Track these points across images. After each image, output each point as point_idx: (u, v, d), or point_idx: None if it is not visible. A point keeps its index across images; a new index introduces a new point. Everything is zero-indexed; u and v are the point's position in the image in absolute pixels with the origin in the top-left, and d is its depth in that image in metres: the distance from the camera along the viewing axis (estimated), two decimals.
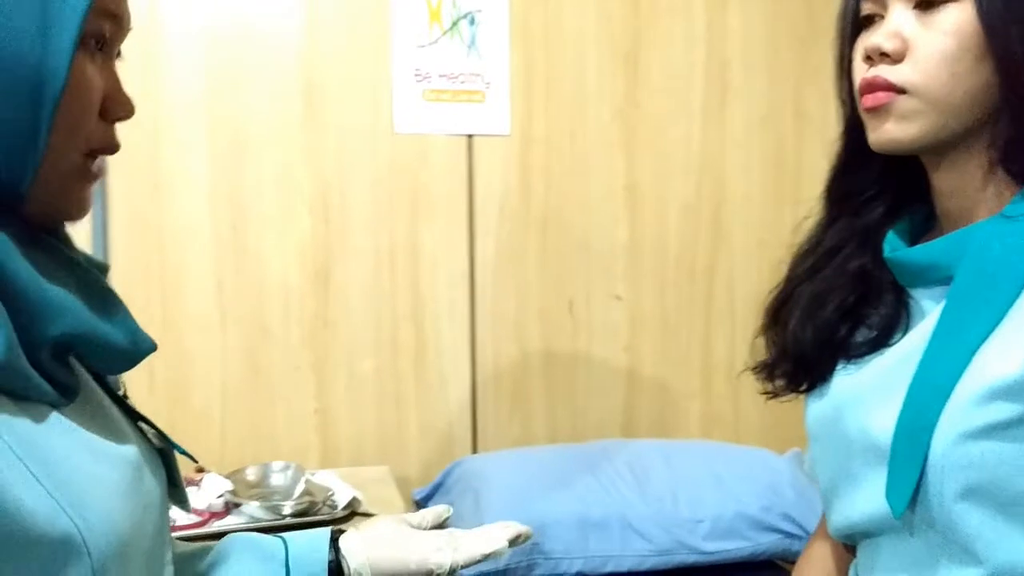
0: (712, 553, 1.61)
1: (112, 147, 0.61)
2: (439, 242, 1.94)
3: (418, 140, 1.92)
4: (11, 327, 0.52)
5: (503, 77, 1.96)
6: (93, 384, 0.64)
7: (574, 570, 1.55)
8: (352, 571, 0.76)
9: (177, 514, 1.50)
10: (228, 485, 1.54)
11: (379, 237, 1.91)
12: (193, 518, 1.47)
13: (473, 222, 1.96)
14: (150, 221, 1.80)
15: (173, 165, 1.80)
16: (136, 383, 1.79)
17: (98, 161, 0.61)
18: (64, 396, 0.57)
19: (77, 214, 0.62)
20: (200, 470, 1.65)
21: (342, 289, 1.90)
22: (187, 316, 1.83)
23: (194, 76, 1.80)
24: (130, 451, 0.61)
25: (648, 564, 1.59)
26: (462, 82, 1.94)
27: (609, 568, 1.57)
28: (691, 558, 1.60)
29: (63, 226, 0.64)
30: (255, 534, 0.79)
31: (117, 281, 1.78)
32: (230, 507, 1.52)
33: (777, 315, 0.87)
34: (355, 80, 1.88)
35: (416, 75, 1.92)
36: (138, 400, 1.92)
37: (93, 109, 0.58)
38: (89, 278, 0.61)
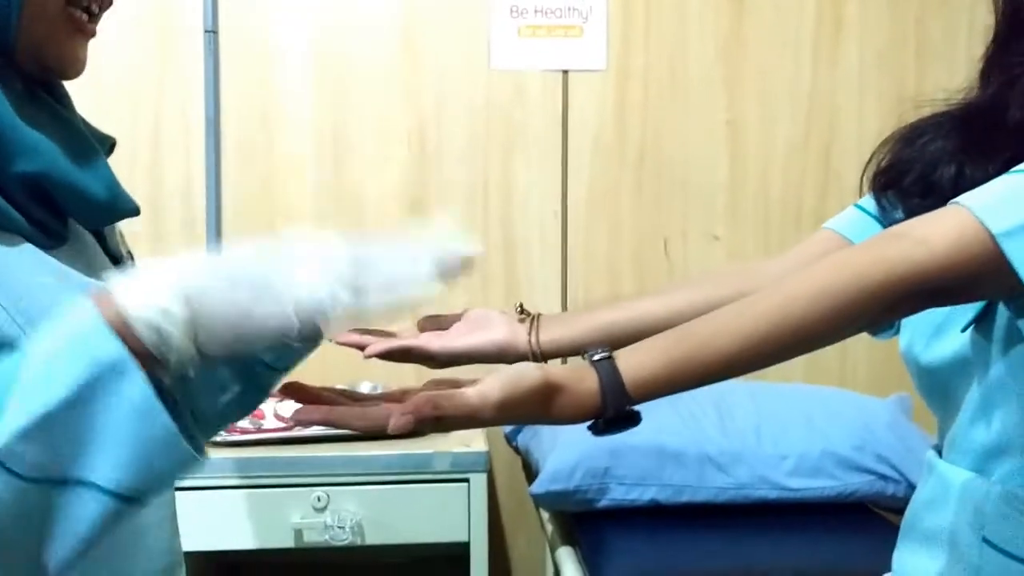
0: (796, 490, 1.55)
1: None
2: (532, 178, 1.95)
3: (513, 76, 1.93)
4: None
5: (601, 11, 1.94)
6: (92, 243, 0.67)
7: (647, 497, 1.53)
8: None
9: (268, 421, 1.59)
10: None
11: (473, 172, 1.94)
12: (279, 424, 1.56)
13: (567, 159, 1.95)
14: (258, 155, 1.90)
15: (280, 102, 1.89)
16: None
17: (81, 20, 0.63)
18: (46, 236, 0.60)
19: (69, 69, 0.64)
20: None
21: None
22: None
23: (300, 17, 1.88)
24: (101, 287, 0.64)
25: (725, 497, 1.54)
26: (559, 16, 1.94)
27: (684, 498, 1.54)
28: (772, 494, 1.55)
29: (61, 86, 0.66)
30: None
31: (229, 211, 1.90)
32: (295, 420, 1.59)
33: (916, 135, 0.86)
34: (452, 17, 1.91)
35: (512, 11, 1.93)
36: None
37: None
38: (74, 133, 0.63)
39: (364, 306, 0.53)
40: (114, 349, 0.47)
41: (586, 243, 1.96)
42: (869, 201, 0.94)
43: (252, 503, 1.46)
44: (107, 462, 0.47)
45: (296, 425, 1.58)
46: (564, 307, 1.97)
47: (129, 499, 0.48)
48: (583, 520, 1.57)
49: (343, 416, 0.60)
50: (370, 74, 1.91)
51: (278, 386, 0.81)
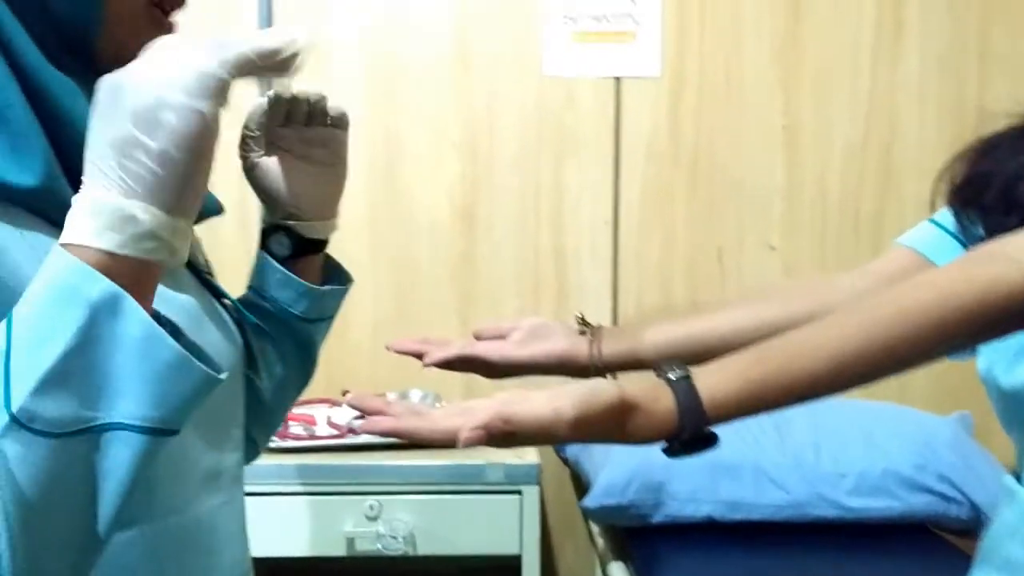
0: (856, 510, 1.51)
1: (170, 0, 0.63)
2: (584, 185, 1.93)
3: (565, 82, 1.91)
4: (54, 159, 0.55)
5: (655, 16, 1.91)
6: None
7: (702, 513, 1.50)
8: None
9: (321, 428, 1.59)
10: None
11: (524, 178, 1.92)
12: (332, 431, 1.56)
13: (619, 165, 1.93)
14: None
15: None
16: None
17: (163, 17, 0.63)
18: None
19: None
20: (345, 392, 1.74)
21: (487, 229, 1.93)
22: (342, 251, 1.92)
23: (353, 24, 1.88)
24: (186, 299, 0.63)
25: (783, 515, 1.51)
26: (611, 23, 1.91)
27: (740, 515, 1.51)
28: (832, 513, 1.51)
29: None
30: None
31: None
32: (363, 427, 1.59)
33: (993, 148, 0.84)
34: (505, 23, 1.90)
35: (566, 17, 1.91)
36: None
37: None
38: None
39: (238, 53, 0.50)
40: (101, 287, 0.47)
41: (638, 251, 1.94)
42: (945, 216, 0.91)
43: (304, 510, 1.46)
44: (127, 400, 0.47)
45: (348, 432, 1.58)
46: (615, 315, 1.94)
47: (158, 431, 0.48)
48: (636, 535, 1.55)
49: (412, 428, 0.59)
50: (422, 80, 1.90)
51: (321, 339, 0.80)
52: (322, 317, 0.80)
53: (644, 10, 1.91)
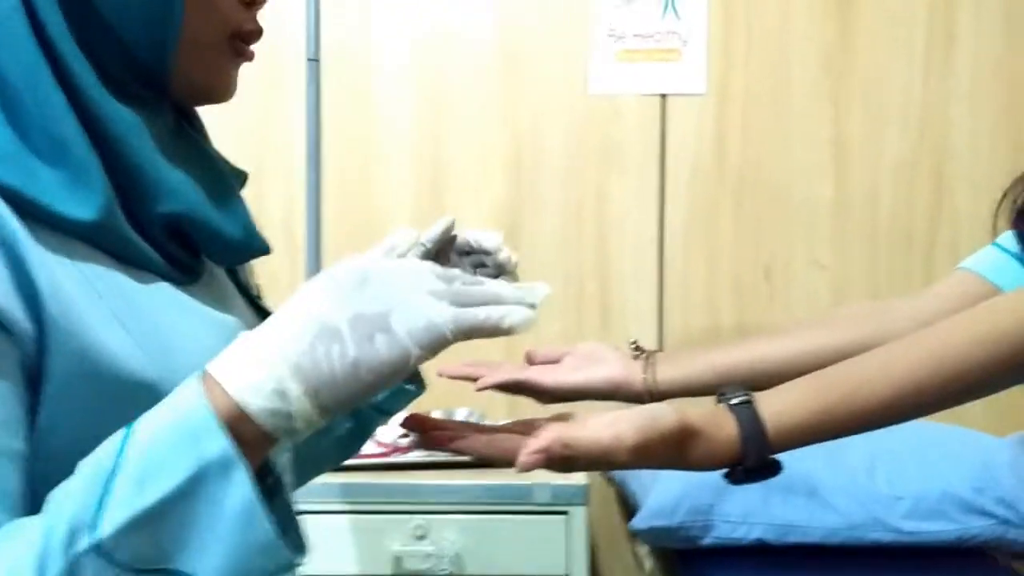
0: (912, 534, 1.47)
1: (252, 31, 0.63)
2: (628, 204, 1.92)
3: (610, 100, 1.91)
4: (112, 194, 0.55)
5: (701, 33, 1.90)
6: (224, 278, 0.68)
7: (753, 536, 1.48)
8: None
9: (367, 446, 1.59)
10: None
11: (569, 196, 1.92)
12: (377, 449, 1.56)
13: (664, 183, 1.92)
14: (358, 179, 1.92)
15: (380, 126, 1.91)
16: None
17: (244, 47, 0.63)
18: (181, 273, 0.60)
19: (222, 93, 0.64)
20: None
21: (531, 247, 1.92)
22: None
23: (399, 42, 1.90)
24: (230, 320, 0.63)
25: (837, 539, 1.47)
26: (657, 40, 1.91)
27: (792, 538, 1.48)
28: (887, 537, 1.47)
29: (199, 118, 0.67)
30: None
31: (328, 235, 1.93)
32: (411, 445, 1.59)
33: None
34: (550, 41, 1.90)
35: (610, 35, 1.91)
36: None
37: None
38: (214, 172, 0.63)
39: (472, 323, 0.51)
40: (221, 447, 0.47)
41: (683, 270, 1.92)
42: (1009, 239, 0.89)
43: (351, 529, 1.46)
44: (207, 561, 0.48)
45: (395, 451, 1.58)
46: (660, 334, 1.92)
47: None
48: (685, 557, 1.53)
49: (470, 444, 0.60)
50: (469, 100, 1.91)
51: (374, 430, 0.81)
52: (388, 412, 0.83)
53: (690, 27, 1.90)
